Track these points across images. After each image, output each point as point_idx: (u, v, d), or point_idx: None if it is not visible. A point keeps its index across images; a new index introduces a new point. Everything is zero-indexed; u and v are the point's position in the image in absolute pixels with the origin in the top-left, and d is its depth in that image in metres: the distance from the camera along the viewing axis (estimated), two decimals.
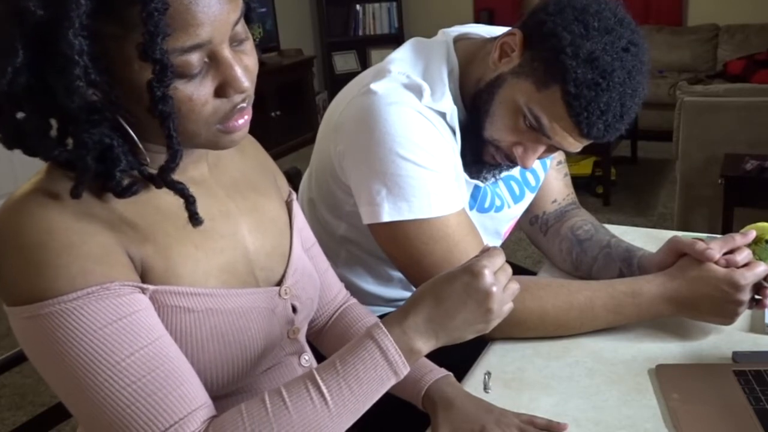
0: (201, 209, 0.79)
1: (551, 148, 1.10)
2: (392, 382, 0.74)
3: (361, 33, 6.31)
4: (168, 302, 0.73)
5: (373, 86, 1.08)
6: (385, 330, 0.74)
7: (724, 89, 3.13)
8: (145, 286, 0.71)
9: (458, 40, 1.18)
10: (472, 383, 1.00)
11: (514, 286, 0.80)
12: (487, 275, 0.75)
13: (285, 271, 0.88)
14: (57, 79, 0.63)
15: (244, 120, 0.74)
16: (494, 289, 0.75)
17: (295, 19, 6.10)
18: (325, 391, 0.71)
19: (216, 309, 0.76)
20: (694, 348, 1.05)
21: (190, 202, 0.74)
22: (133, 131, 0.70)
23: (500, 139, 1.10)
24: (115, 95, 0.66)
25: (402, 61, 1.14)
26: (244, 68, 0.70)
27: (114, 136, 0.68)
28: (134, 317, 0.68)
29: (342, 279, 1.13)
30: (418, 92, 1.08)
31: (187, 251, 0.76)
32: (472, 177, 1.17)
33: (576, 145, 1.07)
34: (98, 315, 0.66)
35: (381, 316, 1.25)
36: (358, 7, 6.23)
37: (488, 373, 1.00)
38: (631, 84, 1.00)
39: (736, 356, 1.01)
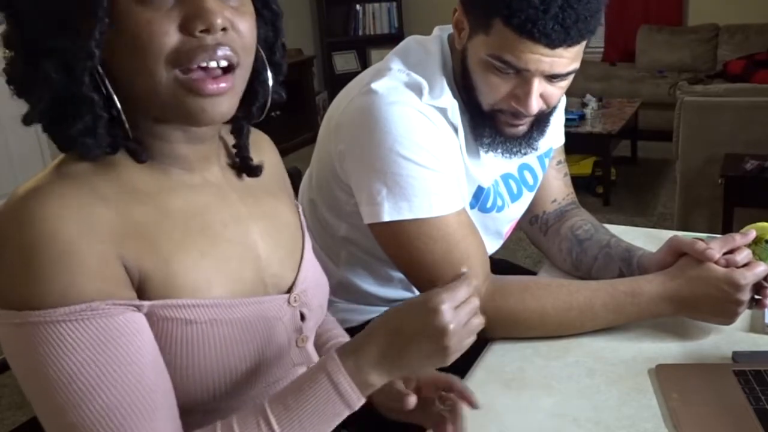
0: (212, 213, 0.77)
1: (549, 79, 1.06)
2: (346, 413, 0.72)
3: (361, 33, 6.30)
4: (166, 315, 0.70)
5: (374, 85, 1.08)
6: (340, 363, 0.71)
7: (724, 89, 3.14)
8: (139, 303, 0.69)
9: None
10: (472, 383, 1.00)
11: (477, 321, 0.75)
12: (445, 312, 0.71)
13: (296, 278, 0.85)
14: None
15: (217, 86, 0.69)
16: (451, 326, 0.71)
17: (295, 19, 6.10)
18: (276, 427, 0.69)
19: (219, 320, 0.74)
20: (694, 348, 1.05)
21: None
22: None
23: (494, 102, 1.09)
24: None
25: (401, 58, 1.14)
26: (221, 10, 0.67)
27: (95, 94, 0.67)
28: (117, 343, 0.66)
29: (342, 279, 1.13)
30: (418, 90, 1.08)
31: (191, 259, 0.73)
32: (513, 155, 1.16)
33: (559, 62, 1.02)
34: (82, 338, 0.64)
35: None
36: (358, 7, 6.23)
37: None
38: None
39: (736, 356, 1.01)
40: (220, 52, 0.68)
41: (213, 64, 0.68)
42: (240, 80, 0.73)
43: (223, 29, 0.68)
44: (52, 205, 0.66)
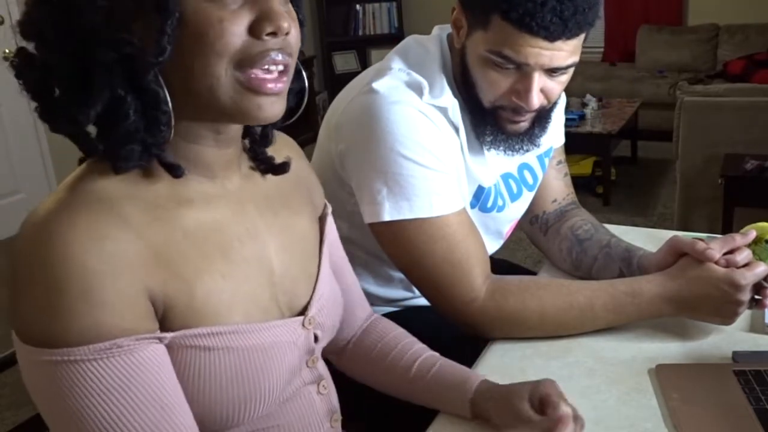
0: (229, 227, 0.75)
1: (549, 73, 1.06)
2: None
3: (361, 33, 6.30)
4: (186, 343, 0.69)
5: (375, 85, 1.08)
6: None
7: (724, 89, 3.14)
8: (162, 335, 0.67)
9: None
10: None
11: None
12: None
13: (310, 298, 0.83)
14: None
15: (275, 86, 0.68)
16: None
17: None
18: None
19: (236, 347, 0.72)
20: (694, 348, 1.05)
21: None
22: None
23: (494, 98, 1.09)
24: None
25: (401, 58, 1.14)
26: (285, 14, 0.67)
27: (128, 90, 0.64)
28: (142, 379, 0.65)
29: None
30: (419, 90, 1.09)
31: (213, 283, 0.71)
32: (516, 153, 1.16)
33: (558, 55, 1.03)
34: (106, 376, 0.63)
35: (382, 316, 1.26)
36: (358, 7, 6.23)
37: None
38: None
39: (736, 356, 1.01)
40: (281, 57, 0.68)
41: (273, 67, 0.68)
42: (288, 84, 0.72)
43: (286, 33, 0.68)
44: (78, 235, 0.63)
